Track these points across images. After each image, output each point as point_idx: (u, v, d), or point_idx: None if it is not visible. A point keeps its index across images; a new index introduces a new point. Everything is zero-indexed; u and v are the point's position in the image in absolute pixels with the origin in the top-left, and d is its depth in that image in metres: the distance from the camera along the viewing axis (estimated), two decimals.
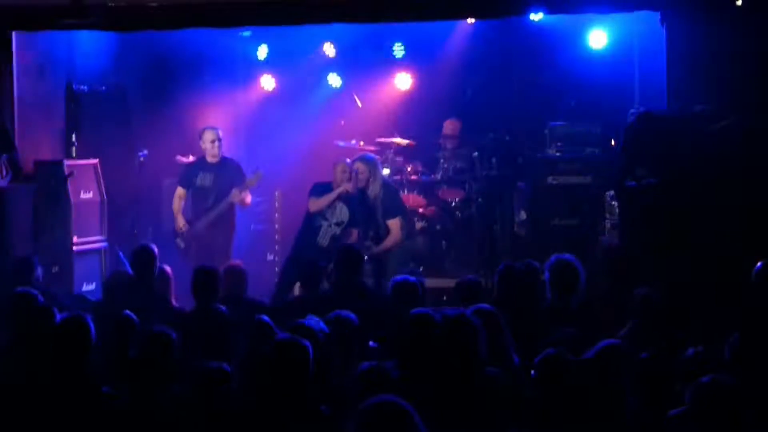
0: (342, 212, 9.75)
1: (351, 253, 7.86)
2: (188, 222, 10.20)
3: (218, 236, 10.07)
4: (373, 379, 4.84)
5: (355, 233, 9.68)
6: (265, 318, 6.01)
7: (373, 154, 10.28)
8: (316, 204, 9.74)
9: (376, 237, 9.64)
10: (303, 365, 4.86)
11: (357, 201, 9.60)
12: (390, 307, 6.82)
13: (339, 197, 9.68)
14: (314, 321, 5.70)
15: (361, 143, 11.94)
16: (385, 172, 11.84)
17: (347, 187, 9.65)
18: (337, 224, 9.75)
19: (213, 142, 10.16)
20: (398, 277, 7.17)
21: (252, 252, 11.26)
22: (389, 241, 9.61)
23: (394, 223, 9.63)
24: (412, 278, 7.04)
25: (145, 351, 5.40)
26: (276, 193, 12.06)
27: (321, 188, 9.83)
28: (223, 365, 5.02)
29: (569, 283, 6.90)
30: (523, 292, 7.16)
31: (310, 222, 9.82)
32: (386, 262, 9.60)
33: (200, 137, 10.27)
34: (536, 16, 10.08)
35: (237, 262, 8.38)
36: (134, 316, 6.25)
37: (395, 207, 9.78)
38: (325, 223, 9.75)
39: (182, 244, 10.15)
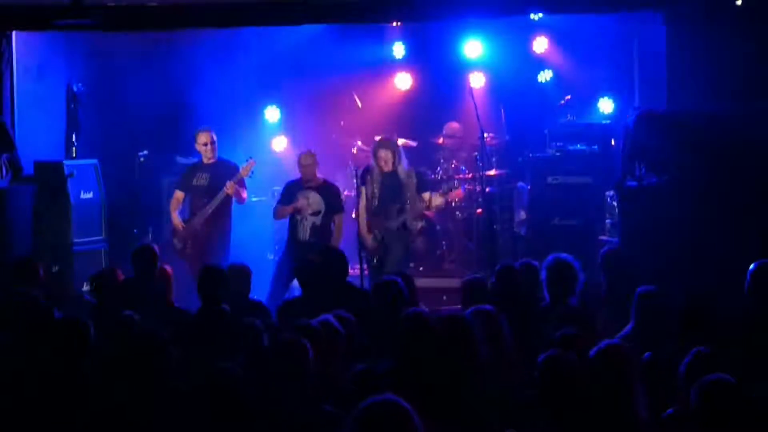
0: (315, 202, 9.88)
1: (333, 254, 7.87)
2: (185, 221, 10.19)
3: (214, 235, 10.05)
4: (367, 380, 4.83)
5: (339, 218, 9.87)
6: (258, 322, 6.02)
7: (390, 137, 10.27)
8: (279, 214, 10.08)
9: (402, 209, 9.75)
10: (303, 364, 4.85)
11: (388, 183, 9.65)
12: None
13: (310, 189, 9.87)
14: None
15: (360, 143, 11.97)
16: None
17: (298, 205, 9.84)
18: (314, 214, 9.84)
19: (206, 144, 10.15)
20: (383, 277, 7.13)
21: (252, 251, 11.25)
22: (423, 210, 9.83)
23: (427, 195, 9.72)
24: (394, 278, 6.97)
25: (141, 350, 5.40)
26: (275, 193, 12.05)
27: (290, 189, 10.07)
28: (234, 365, 5.01)
29: (567, 283, 6.89)
30: (522, 292, 7.15)
31: (290, 219, 9.99)
32: (386, 262, 9.61)
33: (195, 139, 10.28)
34: (536, 16, 10.11)
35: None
36: (133, 315, 6.25)
37: (425, 183, 9.95)
38: (299, 217, 9.85)
39: (179, 245, 10.14)
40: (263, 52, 12.06)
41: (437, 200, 9.74)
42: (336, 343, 5.56)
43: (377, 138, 10.15)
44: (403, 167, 9.70)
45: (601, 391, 4.72)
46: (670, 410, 4.85)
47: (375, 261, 9.64)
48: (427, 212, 10.46)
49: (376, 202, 9.67)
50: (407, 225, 9.67)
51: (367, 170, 9.82)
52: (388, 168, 9.62)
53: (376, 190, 9.67)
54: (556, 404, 4.87)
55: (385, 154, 9.62)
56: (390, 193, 9.64)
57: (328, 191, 9.95)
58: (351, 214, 10.51)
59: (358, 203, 9.93)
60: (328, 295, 7.25)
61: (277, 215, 10.19)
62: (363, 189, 9.79)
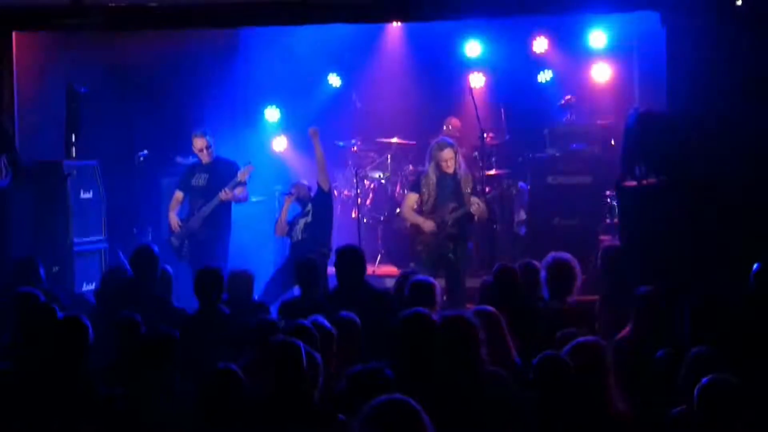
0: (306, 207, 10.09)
1: (352, 252, 7.81)
2: (182, 220, 10.20)
3: (213, 235, 10.04)
4: (365, 381, 4.83)
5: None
6: (272, 317, 6.03)
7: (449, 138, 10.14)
8: (279, 229, 10.24)
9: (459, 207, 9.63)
10: (295, 365, 4.84)
11: (445, 184, 9.55)
12: (397, 306, 6.74)
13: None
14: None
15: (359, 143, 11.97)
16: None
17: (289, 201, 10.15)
18: (305, 214, 10.02)
19: (201, 150, 10.13)
20: (418, 276, 7.03)
21: (252, 252, 11.25)
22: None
23: (475, 200, 9.50)
24: (431, 279, 6.96)
25: (149, 351, 5.40)
26: (276, 194, 12.06)
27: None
28: (231, 366, 5.02)
29: (566, 282, 6.89)
30: (520, 292, 7.14)
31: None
32: (459, 258, 9.60)
33: (192, 143, 10.26)
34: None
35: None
36: (138, 317, 6.25)
37: (475, 189, 9.83)
38: (301, 221, 10.02)
39: (176, 243, 10.15)
40: (263, 52, 12.08)
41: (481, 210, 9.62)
42: (330, 344, 5.57)
43: (438, 139, 9.86)
44: (463, 170, 9.59)
45: (579, 386, 4.76)
46: (675, 410, 4.86)
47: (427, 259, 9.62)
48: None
49: (431, 204, 9.62)
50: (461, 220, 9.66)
51: (421, 174, 9.75)
52: (450, 170, 9.52)
53: (432, 192, 9.58)
54: (553, 405, 4.87)
55: (448, 155, 9.51)
56: (446, 194, 9.56)
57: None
58: (345, 213, 10.55)
59: (402, 205, 9.93)
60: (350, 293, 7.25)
61: (279, 231, 10.31)
62: (410, 194, 9.72)
